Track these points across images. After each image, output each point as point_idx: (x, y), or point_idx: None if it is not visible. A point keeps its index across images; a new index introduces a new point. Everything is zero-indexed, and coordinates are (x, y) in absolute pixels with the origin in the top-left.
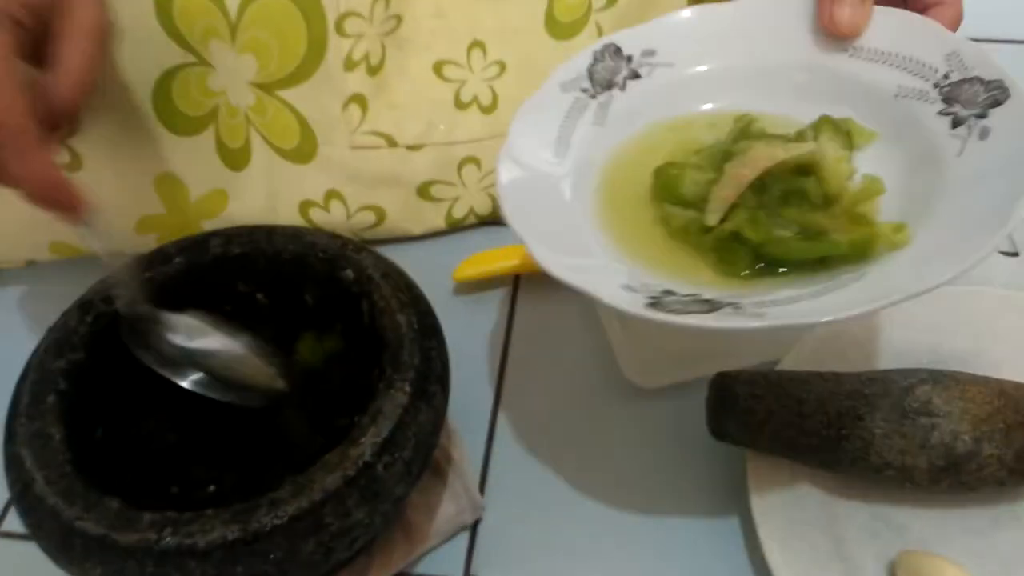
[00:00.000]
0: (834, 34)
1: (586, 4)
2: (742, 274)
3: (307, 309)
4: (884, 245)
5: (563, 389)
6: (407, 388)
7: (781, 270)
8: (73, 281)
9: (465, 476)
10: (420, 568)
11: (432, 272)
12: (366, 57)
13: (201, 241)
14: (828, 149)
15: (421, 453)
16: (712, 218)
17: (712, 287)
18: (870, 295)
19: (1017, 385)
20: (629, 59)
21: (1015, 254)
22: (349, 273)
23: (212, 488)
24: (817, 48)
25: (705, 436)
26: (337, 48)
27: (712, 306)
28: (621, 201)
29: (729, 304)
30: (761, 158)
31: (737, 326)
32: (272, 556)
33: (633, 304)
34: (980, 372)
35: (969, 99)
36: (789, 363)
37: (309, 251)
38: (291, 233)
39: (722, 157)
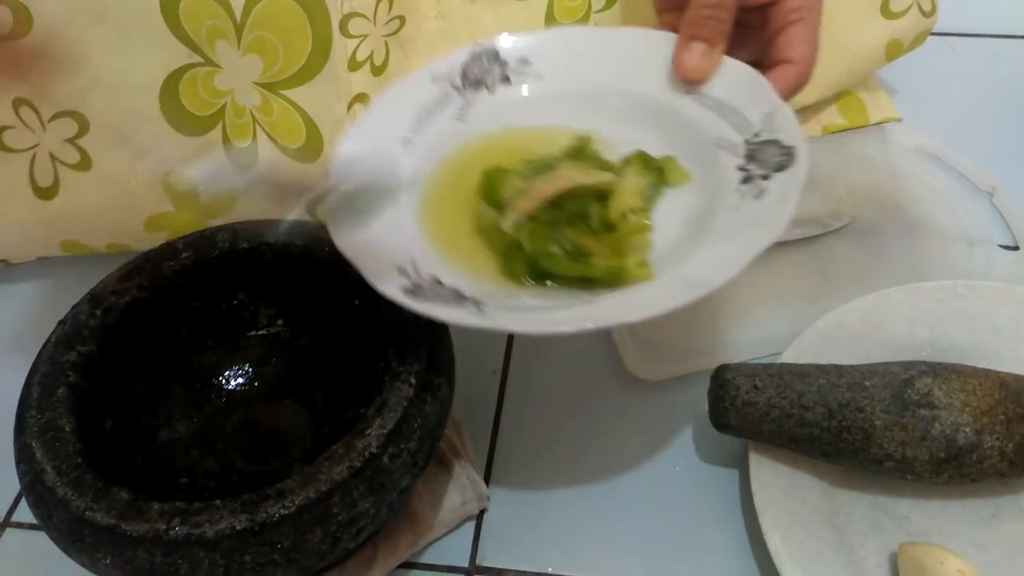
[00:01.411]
0: (682, 77)
1: (585, 5)
2: (523, 280)
3: (314, 304)
4: (632, 277)
5: (567, 381)
6: (412, 381)
7: (548, 282)
8: (82, 275)
9: (470, 467)
10: (426, 557)
11: None
12: (370, 57)
13: (208, 236)
14: (627, 182)
15: (427, 444)
16: (506, 224)
17: (483, 285)
18: (585, 316)
19: (1017, 377)
20: (504, 64)
21: (1016, 248)
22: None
23: (221, 479)
24: (670, 86)
25: (707, 428)
26: (342, 48)
27: (459, 301)
28: (449, 191)
29: (475, 302)
30: (563, 179)
31: (459, 320)
32: (280, 545)
33: (390, 287)
34: (980, 365)
35: (764, 160)
36: (790, 356)
37: (315, 245)
38: (298, 228)
39: (542, 170)
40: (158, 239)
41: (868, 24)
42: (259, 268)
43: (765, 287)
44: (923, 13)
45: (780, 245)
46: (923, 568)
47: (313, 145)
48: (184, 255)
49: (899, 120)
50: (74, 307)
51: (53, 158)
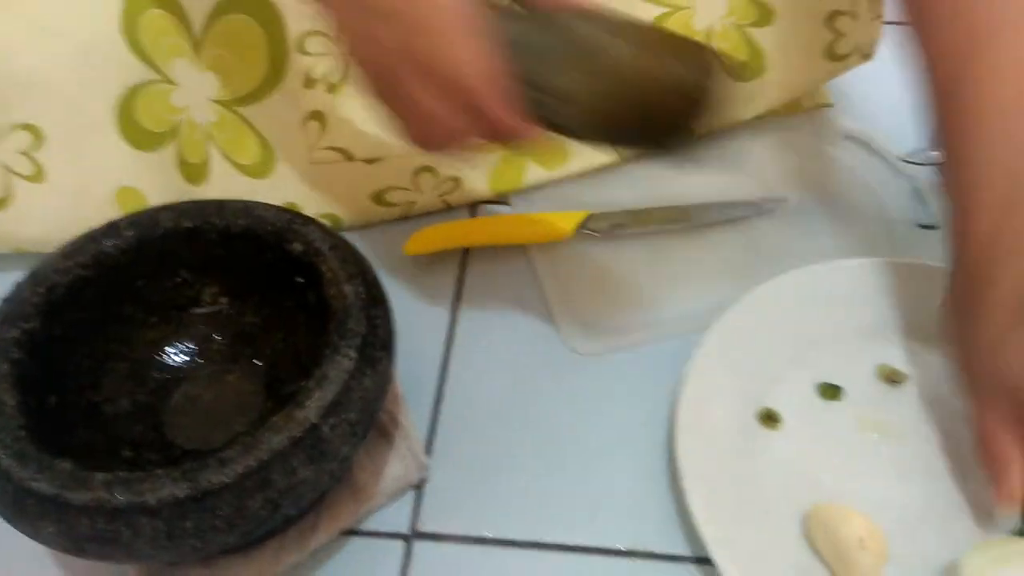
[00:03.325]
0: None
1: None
2: None
3: (257, 282)
4: None
5: (507, 356)
6: (352, 354)
7: None
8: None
9: (411, 438)
10: (367, 525)
11: (383, 246)
12: (326, 76)
13: (152, 215)
14: None
15: (366, 415)
16: None
17: None
18: None
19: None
20: None
21: (934, 227)
22: (297, 246)
23: (164, 453)
24: None
25: (637, 396)
26: (298, 66)
27: None
28: None
29: None
30: None
31: None
32: (221, 512)
33: None
34: (893, 337)
35: None
36: (720, 328)
37: (258, 225)
38: (241, 207)
39: None
40: None
41: (812, 64)
42: (202, 246)
43: (697, 265)
44: (863, 56)
45: (713, 225)
46: (830, 528)
47: (266, 162)
48: (127, 233)
49: (830, 106)
50: (16, 285)
51: (7, 169)
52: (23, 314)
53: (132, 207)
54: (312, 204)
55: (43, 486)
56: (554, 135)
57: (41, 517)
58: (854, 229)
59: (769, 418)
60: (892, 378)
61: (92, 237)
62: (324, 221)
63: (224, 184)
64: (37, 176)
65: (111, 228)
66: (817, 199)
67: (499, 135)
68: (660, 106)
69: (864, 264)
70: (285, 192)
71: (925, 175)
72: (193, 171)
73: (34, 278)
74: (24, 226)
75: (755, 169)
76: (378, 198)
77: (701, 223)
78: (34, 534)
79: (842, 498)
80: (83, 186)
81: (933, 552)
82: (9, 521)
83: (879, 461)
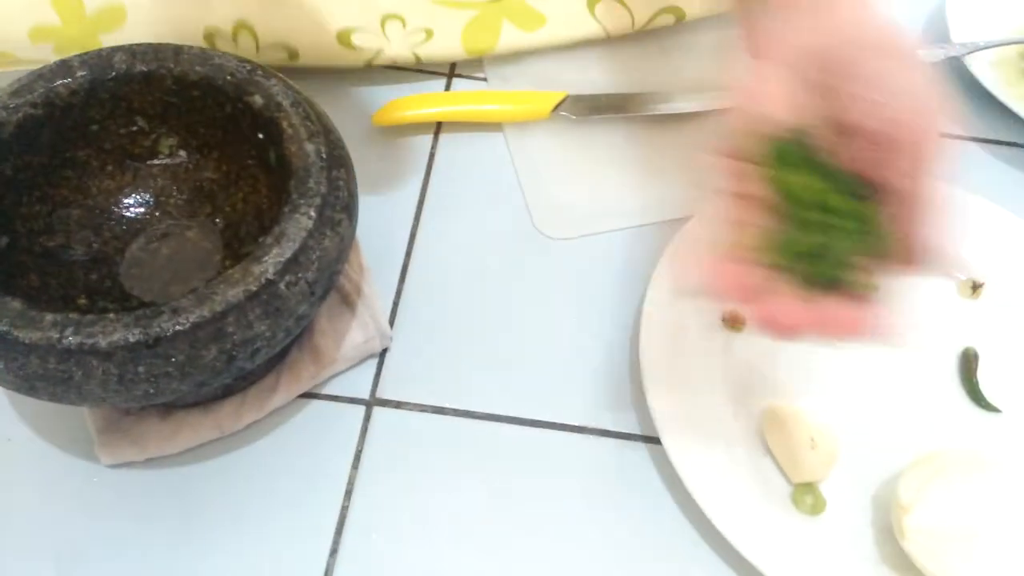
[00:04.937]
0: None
1: None
2: None
3: (216, 137)
4: None
5: (477, 235)
6: (312, 214)
7: None
8: None
9: (374, 308)
10: (328, 389)
11: (351, 112)
12: None
13: (105, 56)
14: None
15: (324, 276)
16: None
17: None
18: None
19: None
20: None
21: None
22: (258, 99)
23: (120, 303)
24: None
25: (607, 283)
26: None
27: None
28: None
29: None
30: None
31: None
32: (174, 359)
33: None
34: None
35: None
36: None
37: (217, 74)
38: (198, 54)
39: None
40: (45, 51)
41: None
42: (158, 93)
43: (674, 153)
44: None
45: (687, 115)
46: (783, 426)
47: None
48: (80, 74)
49: None
50: None
51: None
52: None
53: (66, 5)
54: (267, 26)
55: None
56: None
57: None
58: None
59: (735, 320)
60: None
61: (42, 75)
62: (279, 51)
63: None
64: None
65: (62, 66)
66: None
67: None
68: None
69: None
70: (238, 6)
71: None
72: None
73: None
74: None
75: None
76: (343, 39)
77: (681, 110)
78: None
79: (798, 401)
80: None
81: (880, 460)
82: None
83: (838, 368)
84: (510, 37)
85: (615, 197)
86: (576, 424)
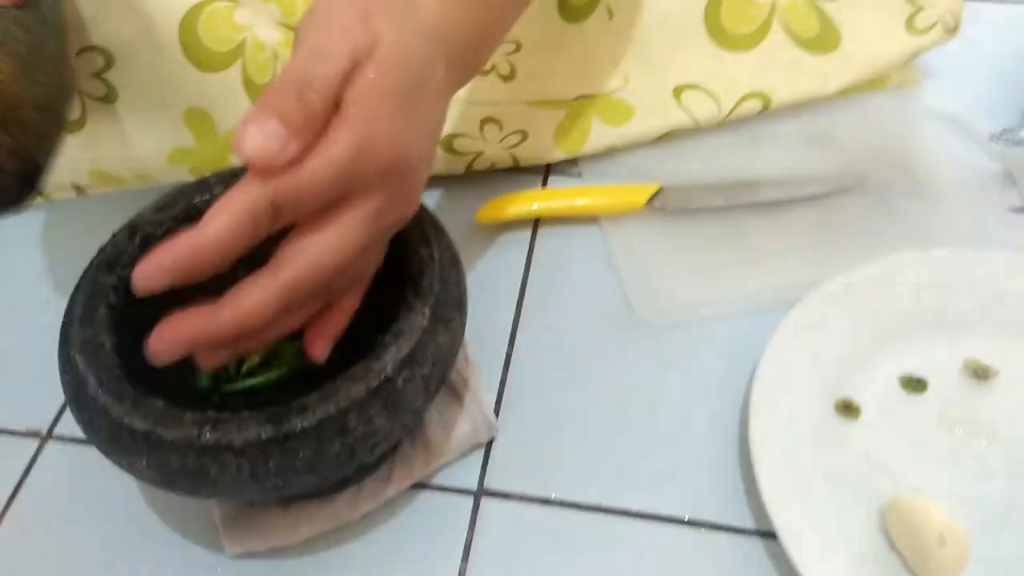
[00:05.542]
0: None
1: None
2: None
3: None
4: None
5: (577, 324)
6: (427, 312)
7: None
8: (119, 209)
9: (481, 399)
10: (438, 480)
11: (455, 214)
12: None
13: (240, 174)
14: None
15: (438, 371)
16: None
17: None
18: None
19: None
20: None
21: None
22: None
23: (247, 400)
24: None
25: (710, 371)
26: None
27: None
28: None
29: None
30: None
31: None
32: (301, 454)
33: None
34: (985, 332)
35: None
36: (796, 315)
37: None
38: None
39: None
40: (182, 171)
41: (891, 38)
42: None
43: (774, 242)
44: (947, 30)
45: (791, 202)
46: (909, 521)
47: None
48: (217, 190)
49: (916, 83)
50: (114, 234)
51: (81, 92)
52: (120, 261)
53: (200, 128)
54: None
55: (137, 422)
56: None
57: (135, 452)
58: (939, 212)
59: (848, 408)
60: (980, 373)
61: (183, 192)
62: None
63: None
64: (111, 96)
65: (202, 184)
66: (900, 179)
67: None
68: None
69: (954, 253)
70: None
71: (1017, 157)
72: (260, 92)
73: (130, 228)
74: (99, 147)
75: (834, 145)
76: (445, 144)
77: (775, 199)
78: (128, 467)
79: (922, 493)
80: (153, 106)
81: (1017, 555)
82: (106, 454)
83: (963, 458)
84: (600, 133)
85: (712, 283)
86: (686, 518)
